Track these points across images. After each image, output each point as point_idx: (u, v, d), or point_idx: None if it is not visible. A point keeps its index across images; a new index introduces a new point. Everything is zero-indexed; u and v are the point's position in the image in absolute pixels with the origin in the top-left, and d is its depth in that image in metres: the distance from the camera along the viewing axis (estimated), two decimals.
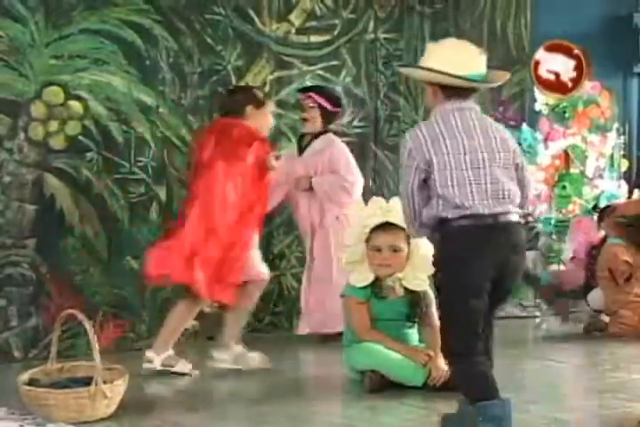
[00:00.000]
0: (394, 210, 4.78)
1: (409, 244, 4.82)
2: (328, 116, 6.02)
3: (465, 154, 3.70)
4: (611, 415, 4.29)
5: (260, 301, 6.22)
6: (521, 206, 3.81)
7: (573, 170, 6.70)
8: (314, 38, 6.39)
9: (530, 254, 6.97)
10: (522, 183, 3.83)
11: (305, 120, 6.04)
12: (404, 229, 4.77)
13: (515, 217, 3.75)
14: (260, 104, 5.26)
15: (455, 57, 3.77)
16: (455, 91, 3.79)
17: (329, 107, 5.99)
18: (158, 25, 5.82)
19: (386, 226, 4.80)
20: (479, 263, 3.65)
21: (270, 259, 6.28)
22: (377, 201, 4.99)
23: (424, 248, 4.91)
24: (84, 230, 5.61)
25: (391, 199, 4.86)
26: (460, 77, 3.74)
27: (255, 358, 5.20)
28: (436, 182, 3.68)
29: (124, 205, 5.74)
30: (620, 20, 7.74)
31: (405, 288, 4.85)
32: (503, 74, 3.97)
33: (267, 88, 6.25)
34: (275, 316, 6.37)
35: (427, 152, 3.70)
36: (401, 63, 4.35)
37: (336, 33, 6.52)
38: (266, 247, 6.24)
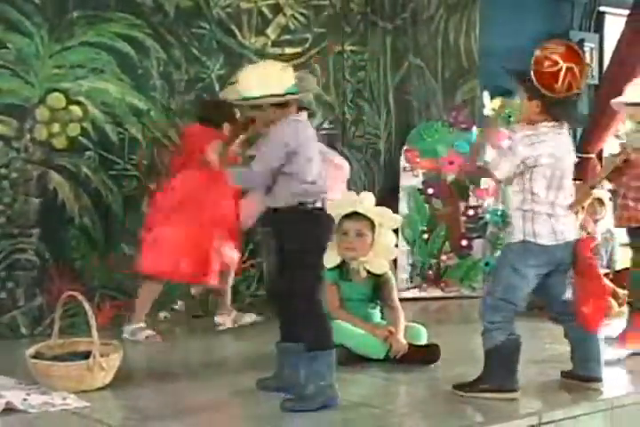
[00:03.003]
0: (363, 202, 4.86)
1: (373, 232, 4.84)
2: None
3: None
4: (548, 382, 4.39)
5: (243, 285, 6.27)
6: None
7: None
8: (288, 50, 6.37)
9: (478, 242, 7.03)
10: None
11: None
12: (369, 219, 4.81)
13: None
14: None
15: (269, 78, 3.68)
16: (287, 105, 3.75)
17: None
18: (149, 38, 5.77)
19: (354, 215, 4.82)
20: None
21: (252, 247, 6.27)
22: (348, 194, 5.11)
23: (386, 237, 4.93)
24: (83, 221, 5.57)
25: (361, 193, 5.01)
26: (287, 94, 3.67)
27: (251, 316, 5.76)
28: None
29: (119, 198, 5.69)
30: (557, 36, 7.70)
31: (369, 272, 4.86)
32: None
33: None
34: (255, 298, 6.35)
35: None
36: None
37: (307, 45, 6.51)
38: (247, 236, 6.22)
